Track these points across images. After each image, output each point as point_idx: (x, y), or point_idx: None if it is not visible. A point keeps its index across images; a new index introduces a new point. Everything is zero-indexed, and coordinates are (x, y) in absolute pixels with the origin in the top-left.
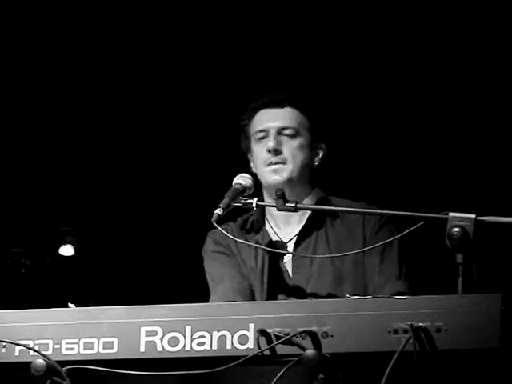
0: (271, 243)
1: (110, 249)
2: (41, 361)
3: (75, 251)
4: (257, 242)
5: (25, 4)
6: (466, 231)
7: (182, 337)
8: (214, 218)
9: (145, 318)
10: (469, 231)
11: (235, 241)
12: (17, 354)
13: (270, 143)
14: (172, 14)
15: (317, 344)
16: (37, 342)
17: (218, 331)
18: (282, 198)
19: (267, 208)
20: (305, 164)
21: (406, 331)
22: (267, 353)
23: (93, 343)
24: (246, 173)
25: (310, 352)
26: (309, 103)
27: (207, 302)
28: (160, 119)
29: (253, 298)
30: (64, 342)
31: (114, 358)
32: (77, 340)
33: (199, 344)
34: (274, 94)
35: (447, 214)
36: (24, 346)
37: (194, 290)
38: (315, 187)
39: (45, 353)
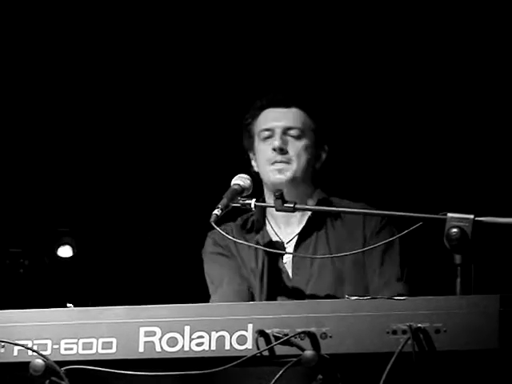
0: (271, 243)
1: (108, 250)
2: (39, 361)
3: (74, 252)
4: (257, 243)
5: (25, 4)
6: (464, 232)
7: (181, 337)
8: (212, 219)
9: (144, 318)
10: (467, 232)
11: (235, 241)
12: (15, 353)
13: (276, 142)
14: (172, 13)
15: (315, 345)
16: (35, 341)
17: (217, 332)
18: (280, 199)
19: (268, 208)
20: (308, 165)
21: (404, 332)
22: (266, 353)
23: (92, 343)
24: (246, 173)
25: (309, 353)
26: (315, 105)
27: (206, 302)
28: (159, 120)
29: (252, 300)
30: (63, 342)
31: (112, 359)
32: (76, 340)
33: (198, 344)
34: (281, 94)
35: (445, 214)
36: (23, 345)
37: (193, 291)
38: (317, 188)
39: (43, 353)
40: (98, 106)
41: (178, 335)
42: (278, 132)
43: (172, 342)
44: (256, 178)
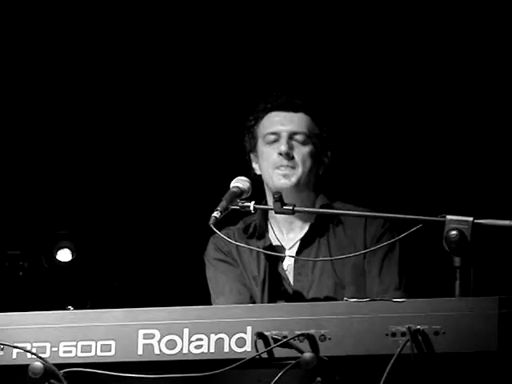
0: (272, 249)
1: (108, 254)
2: (38, 363)
3: (73, 256)
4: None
5: (25, 4)
6: (463, 234)
7: (180, 340)
8: (211, 221)
9: (142, 320)
10: (466, 234)
11: (237, 246)
12: (14, 356)
13: (283, 147)
14: (172, 13)
15: (314, 347)
16: (34, 344)
17: (216, 334)
18: (279, 201)
19: (271, 213)
20: (312, 171)
21: (403, 334)
22: (265, 356)
23: (90, 346)
24: (246, 175)
25: (308, 355)
26: (320, 110)
27: (205, 304)
28: (159, 121)
29: None
30: (62, 344)
31: (111, 361)
32: (74, 343)
33: (197, 347)
34: (287, 97)
35: (445, 216)
36: (22, 348)
37: (192, 293)
38: (320, 194)
39: (42, 355)
40: (97, 108)
41: (177, 338)
42: (285, 136)
43: (171, 344)
44: (256, 180)
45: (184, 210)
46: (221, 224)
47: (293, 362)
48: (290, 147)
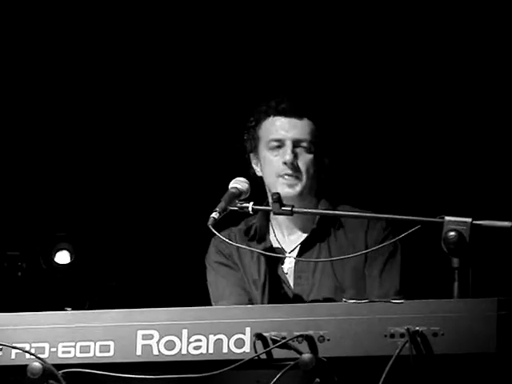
0: (272, 251)
1: (107, 256)
2: (37, 364)
3: (71, 258)
4: (259, 253)
5: (25, 4)
6: (462, 235)
7: (179, 340)
8: (210, 222)
9: (141, 321)
10: (465, 235)
11: (237, 248)
12: (13, 357)
13: (288, 157)
14: (172, 13)
15: (313, 348)
16: (33, 345)
17: (215, 335)
18: (278, 202)
19: (273, 216)
20: (315, 177)
21: (402, 335)
22: (263, 356)
23: (89, 346)
24: (245, 174)
25: (307, 356)
26: (323, 116)
27: (203, 305)
28: (158, 123)
29: None
30: (60, 345)
31: (110, 362)
32: (73, 343)
33: (195, 348)
34: (290, 102)
35: (443, 217)
36: (20, 349)
37: (191, 294)
38: (322, 198)
39: (41, 356)
40: (96, 111)
41: (175, 338)
42: (289, 144)
43: (170, 345)
44: (257, 180)
45: (182, 210)
46: (222, 225)
47: (291, 362)
48: (295, 156)
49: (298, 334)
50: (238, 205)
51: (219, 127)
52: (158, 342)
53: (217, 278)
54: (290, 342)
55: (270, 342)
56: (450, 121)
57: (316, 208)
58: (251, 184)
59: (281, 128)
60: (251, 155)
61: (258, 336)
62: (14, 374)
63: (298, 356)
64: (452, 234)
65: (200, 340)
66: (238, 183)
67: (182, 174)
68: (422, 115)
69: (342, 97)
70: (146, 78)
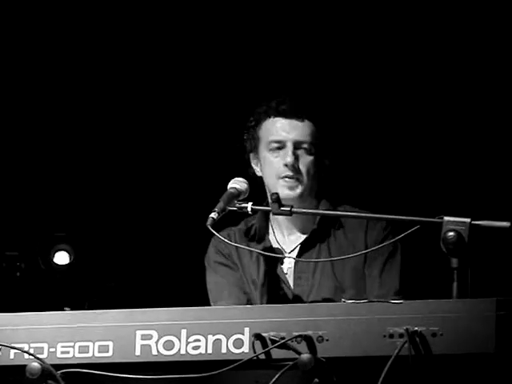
0: (272, 251)
1: (105, 255)
2: (36, 364)
3: (70, 259)
4: (258, 253)
5: (25, 4)
6: (460, 235)
7: (178, 340)
8: (209, 222)
9: (140, 321)
10: (464, 235)
11: (237, 248)
12: (12, 357)
13: (289, 159)
14: (173, 13)
15: (312, 348)
16: (32, 345)
17: (214, 335)
18: (276, 202)
19: (272, 216)
20: (316, 179)
21: (401, 336)
22: (262, 357)
23: (88, 347)
24: (244, 176)
25: (305, 356)
26: (324, 117)
27: (202, 305)
28: (156, 123)
29: None
30: (59, 345)
31: (109, 362)
32: (72, 343)
33: (194, 348)
34: (291, 103)
35: (442, 218)
36: (19, 349)
37: (190, 294)
38: (322, 199)
39: (40, 356)
40: (95, 112)
41: (174, 338)
42: (290, 146)
43: (168, 345)
44: (256, 180)
45: (182, 210)
46: (223, 225)
47: (290, 363)
48: (296, 157)
49: (296, 334)
50: (237, 205)
51: (218, 127)
52: (156, 342)
53: (216, 278)
54: (289, 342)
55: (268, 342)
56: (448, 121)
57: (316, 209)
58: (250, 184)
59: (281, 129)
60: (251, 155)
61: (257, 336)
62: (12, 374)
63: (297, 356)
64: (451, 234)
65: (199, 340)
66: (237, 183)
67: (181, 174)
68: (421, 115)
69: (341, 97)
70: (146, 78)
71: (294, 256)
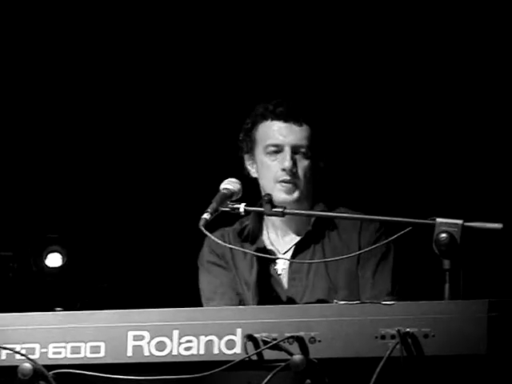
0: (266, 253)
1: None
2: (27, 365)
3: (63, 261)
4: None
5: (25, 4)
6: (453, 237)
7: (170, 341)
8: (201, 223)
9: (132, 322)
10: (456, 237)
11: (230, 248)
12: (3, 357)
13: (287, 163)
14: (172, 15)
15: (304, 349)
16: (23, 345)
17: (206, 336)
18: (269, 203)
19: (267, 217)
20: (312, 182)
21: (393, 337)
22: (254, 358)
23: (80, 347)
24: (237, 176)
25: (298, 357)
26: (320, 120)
27: (194, 306)
28: (149, 124)
29: None
30: (51, 346)
31: (101, 363)
32: (64, 344)
33: (186, 348)
34: (289, 107)
35: (434, 219)
36: (10, 349)
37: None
38: (318, 202)
39: (32, 357)
40: (88, 112)
41: (166, 339)
42: (288, 150)
43: (160, 346)
44: (249, 180)
45: (174, 211)
46: (218, 225)
47: (282, 364)
48: (294, 162)
49: (288, 335)
50: (230, 206)
51: (210, 127)
52: (148, 343)
53: (209, 278)
54: (281, 343)
55: (260, 343)
56: (440, 124)
57: (312, 211)
58: (243, 184)
59: (279, 133)
60: (246, 156)
61: (249, 337)
62: (4, 374)
63: (289, 357)
64: (443, 235)
65: (191, 341)
66: (230, 184)
67: (174, 174)
68: (414, 117)
69: (335, 100)
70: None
71: (289, 257)
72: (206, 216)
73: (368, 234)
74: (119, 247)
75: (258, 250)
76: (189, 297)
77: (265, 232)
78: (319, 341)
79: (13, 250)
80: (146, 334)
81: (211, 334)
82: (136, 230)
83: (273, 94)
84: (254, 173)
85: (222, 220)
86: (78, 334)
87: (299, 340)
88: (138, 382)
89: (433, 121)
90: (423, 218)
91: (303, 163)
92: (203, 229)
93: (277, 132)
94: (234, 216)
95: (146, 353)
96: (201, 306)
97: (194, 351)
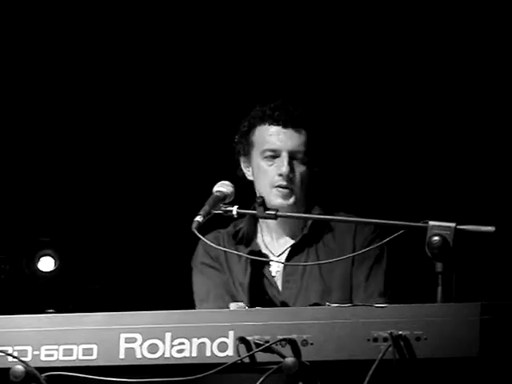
0: (260, 255)
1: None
2: (20, 367)
3: (55, 265)
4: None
5: (25, 4)
6: (445, 240)
7: (162, 344)
8: (194, 226)
9: (124, 324)
10: (449, 240)
11: (225, 251)
12: None
13: (284, 169)
14: (170, 15)
15: (296, 352)
16: (16, 347)
17: (198, 338)
18: (262, 206)
19: (262, 219)
20: (308, 187)
21: (385, 339)
22: (247, 360)
23: (72, 350)
24: (230, 179)
25: (290, 360)
26: (318, 125)
27: (187, 309)
28: (142, 127)
29: None
30: (43, 348)
31: (93, 365)
32: (56, 346)
33: (179, 351)
34: (286, 111)
35: (427, 222)
36: (3, 351)
37: (174, 297)
38: (314, 206)
39: (24, 359)
40: (81, 115)
41: (158, 342)
42: (285, 156)
43: (153, 348)
44: (243, 182)
45: (167, 213)
46: (211, 227)
47: (275, 366)
48: (291, 167)
49: (281, 337)
50: (223, 208)
51: (203, 130)
52: (141, 346)
53: (202, 280)
54: (274, 345)
55: (253, 345)
56: (433, 128)
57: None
58: (236, 186)
59: (277, 138)
60: (242, 158)
61: (242, 340)
62: None
63: (281, 360)
64: (436, 238)
65: (183, 343)
66: (223, 186)
67: (166, 176)
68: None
69: (330, 105)
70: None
71: (283, 259)
72: (198, 219)
73: (362, 238)
74: (112, 250)
75: (252, 252)
76: (181, 299)
77: (259, 235)
78: (311, 343)
79: (5, 252)
80: (138, 336)
81: (203, 337)
82: (129, 232)
83: (269, 97)
84: (249, 175)
85: (217, 222)
86: (71, 337)
87: (291, 342)
88: None
89: (425, 125)
90: (416, 221)
91: (300, 169)
92: (196, 231)
93: (274, 137)
94: (228, 218)
95: (139, 355)
96: (193, 307)
97: (186, 354)
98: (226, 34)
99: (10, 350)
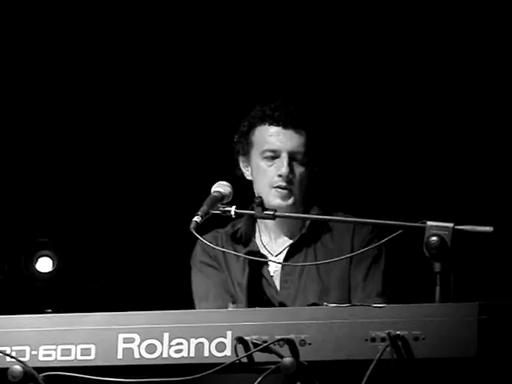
0: (258, 255)
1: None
2: (18, 367)
3: (53, 265)
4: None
5: (25, 4)
6: (443, 240)
7: (160, 344)
8: (192, 226)
9: (122, 324)
10: (447, 240)
11: (223, 251)
12: None
13: (284, 169)
14: (170, 15)
15: (294, 352)
16: (14, 348)
17: (196, 338)
18: (260, 206)
19: (260, 219)
20: (307, 188)
21: (383, 339)
22: (245, 360)
23: (70, 350)
24: (228, 179)
25: (288, 360)
26: (318, 126)
27: (185, 309)
28: (140, 128)
29: None
30: (41, 348)
31: (91, 365)
32: (54, 346)
33: (177, 351)
34: (287, 111)
35: (425, 222)
36: (1, 352)
37: (172, 297)
38: (313, 206)
39: (22, 359)
40: (79, 116)
41: (156, 342)
42: (285, 156)
43: (151, 348)
44: (242, 182)
45: (165, 214)
46: (209, 227)
47: (273, 366)
48: (290, 168)
49: (279, 337)
50: (221, 208)
51: (201, 130)
52: (139, 346)
53: (201, 279)
54: (272, 345)
55: (251, 345)
56: (430, 129)
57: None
58: (235, 186)
59: (277, 139)
60: (241, 158)
61: (240, 340)
62: None
63: (280, 360)
64: (434, 238)
65: (181, 343)
66: (221, 187)
67: (164, 177)
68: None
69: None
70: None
71: (281, 259)
72: (196, 219)
73: (361, 238)
74: (110, 250)
75: (250, 252)
76: (179, 299)
77: (257, 235)
78: (309, 343)
79: (3, 253)
80: (136, 336)
81: (201, 337)
82: (127, 233)
83: (269, 97)
84: (248, 175)
85: (215, 222)
86: (69, 337)
87: (289, 342)
88: None
89: (424, 126)
90: (414, 221)
91: (299, 169)
92: (194, 231)
93: (274, 137)
94: (227, 218)
95: (137, 355)
96: (192, 307)
97: (184, 354)
98: (226, 34)
99: (8, 349)
